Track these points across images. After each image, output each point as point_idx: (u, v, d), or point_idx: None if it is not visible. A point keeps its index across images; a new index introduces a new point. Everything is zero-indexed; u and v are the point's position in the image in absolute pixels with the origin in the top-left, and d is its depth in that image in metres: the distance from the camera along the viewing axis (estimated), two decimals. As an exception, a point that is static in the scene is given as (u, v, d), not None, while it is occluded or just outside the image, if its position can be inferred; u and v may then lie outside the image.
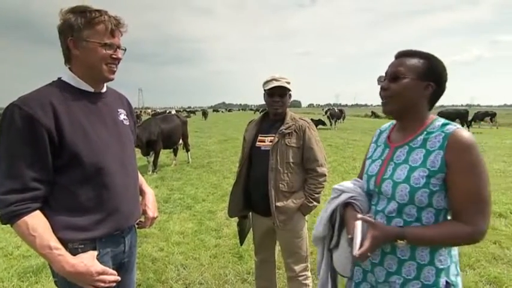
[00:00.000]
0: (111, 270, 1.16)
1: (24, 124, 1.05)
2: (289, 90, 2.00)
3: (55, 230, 1.10)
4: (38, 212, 1.09)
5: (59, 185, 1.14)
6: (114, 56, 1.21)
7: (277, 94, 1.99)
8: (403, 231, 1.03)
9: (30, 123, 1.05)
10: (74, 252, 1.12)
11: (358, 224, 1.06)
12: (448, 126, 1.06)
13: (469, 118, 19.24)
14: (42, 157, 1.08)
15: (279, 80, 1.97)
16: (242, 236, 2.32)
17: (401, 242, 1.03)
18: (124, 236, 1.33)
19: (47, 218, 1.10)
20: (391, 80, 1.12)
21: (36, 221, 1.07)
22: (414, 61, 1.10)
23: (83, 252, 1.15)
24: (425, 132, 1.10)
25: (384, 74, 1.15)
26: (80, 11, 1.15)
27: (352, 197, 1.21)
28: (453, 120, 18.33)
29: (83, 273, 1.08)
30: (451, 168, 1.01)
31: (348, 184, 1.27)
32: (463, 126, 17.32)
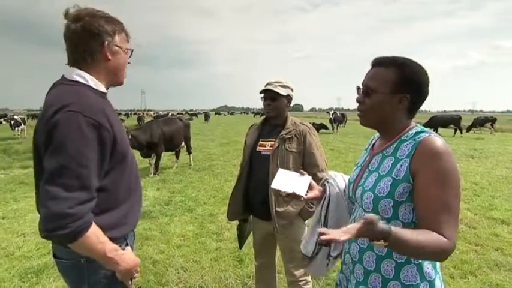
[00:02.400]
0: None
1: (92, 132, 1.03)
2: (282, 95, 2.00)
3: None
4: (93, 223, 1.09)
5: (102, 187, 1.11)
6: (129, 61, 1.29)
7: (268, 98, 2.02)
8: (390, 230, 0.84)
9: (97, 131, 1.04)
10: None
11: (279, 171, 1.29)
12: (421, 134, 1.01)
13: (469, 124, 19.26)
14: (102, 164, 1.08)
15: (271, 84, 2.01)
16: (242, 240, 2.31)
17: (380, 243, 0.84)
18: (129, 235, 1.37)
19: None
20: (364, 93, 1.08)
21: (97, 228, 1.07)
22: (387, 73, 1.04)
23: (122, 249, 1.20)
24: (398, 140, 1.06)
25: (361, 85, 1.11)
26: (107, 18, 1.19)
27: (326, 179, 1.32)
28: (447, 125, 18.19)
29: (136, 266, 1.19)
30: (417, 178, 0.96)
31: (336, 173, 1.37)
32: (455, 131, 17.28)
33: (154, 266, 3.08)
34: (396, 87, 1.04)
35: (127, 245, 1.24)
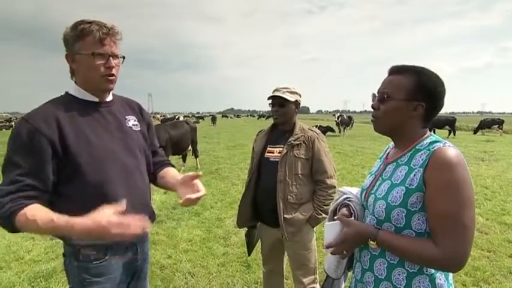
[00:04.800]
0: (137, 216, 1.04)
1: (28, 136, 1.09)
2: (290, 101, 1.97)
3: (68, 238, 1.15)
4: (35, 204, 1.07)
5: (66, 194, 1.17)
6: (106, 66, 1.21)
7: (276, 104, 2.01)
8: (377, 232, 1.03)
9: (33, 136, 1.09)
10: (86, 259, 1.17)
11: (328, 225, 1.14)
12: (435, 144, 1.00)
13: (476, 125, 19.10)
14: (42, 167, 1.11)
15: (279, 90, 1.99)
16: (250, 247, 2.30)
17: (373, 243, 1.03)
18: (136, 243, 1.35)
19: None
20: (380, 100, 1.08)
21: (34, 209, 1.06)
22: (404, 80, 1.04)
23: (95, 258, 1.19)
24: (413, 150, 1.05)
25: (376, 92, 1.11)
26: (74, 25, 1.18)
27: (347, 198, 1.25)
28: (441, 127, 18.13)
29: (102, 225, 0.98)
30: (428, 187, 0.96)
31: (350, 188, 1.31)
32: (450, 133, 17.35)
33: (162, 271, 3.08)
34: (412, 94, 1.03)
35: (105, 255, 1.22)
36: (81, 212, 1.13)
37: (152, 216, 1.42)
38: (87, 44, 1.17)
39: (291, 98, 1.98)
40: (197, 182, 1.27)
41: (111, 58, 1.21)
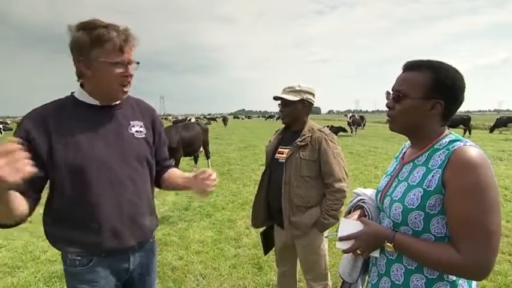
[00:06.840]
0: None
1: (21, 136, 1.10)
2: (291, 101, 1.91)
3: (55, 241, 1.21)
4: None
5: (54, 198, 1.17)
6: (125, 74, 1.16)
7: (281, 104, 1.97)
8: (394, 234, 0.98)
9: (24, 135, 1.10)
10: (72, 264, 1.20)
11: (343, 221, 1.10)
12: (455, 143, 0.94)
13: (492, 124, 18.73)
14: (35, 161, 1.07)
15: (284, 90, 1.95)
16: (267, 246, 2.21)
17: (389, 245, 0.98)
18: (129, 254, 1.29)
19: (48, 229, 1.22)
20: (395, 99, 1.03)
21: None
22: (419, 76, 0.98)
23: (80, 264, 1.20)
24: (431, 149, 1.00)
25: (390, 90, 1.06)
26: (87, 29, 1.10)
27: (361, 199, 1.22)
28: (456, 126, 17.98)
29: None
30: (447, 189, 0.90)
31: (364, 190, 1.28)
32: (465, 132, 16.94)
33: (173, 273, 3.08)
34: (429, 92, 0.97)
35: (90, 261, 1.20)
36: (71, 219, 1.17)
37: (142, 233, 1.30)
38: (106, 52, 1.11)
39: (292, 97, 1.91)
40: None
41: (129, 66, 1.16)
